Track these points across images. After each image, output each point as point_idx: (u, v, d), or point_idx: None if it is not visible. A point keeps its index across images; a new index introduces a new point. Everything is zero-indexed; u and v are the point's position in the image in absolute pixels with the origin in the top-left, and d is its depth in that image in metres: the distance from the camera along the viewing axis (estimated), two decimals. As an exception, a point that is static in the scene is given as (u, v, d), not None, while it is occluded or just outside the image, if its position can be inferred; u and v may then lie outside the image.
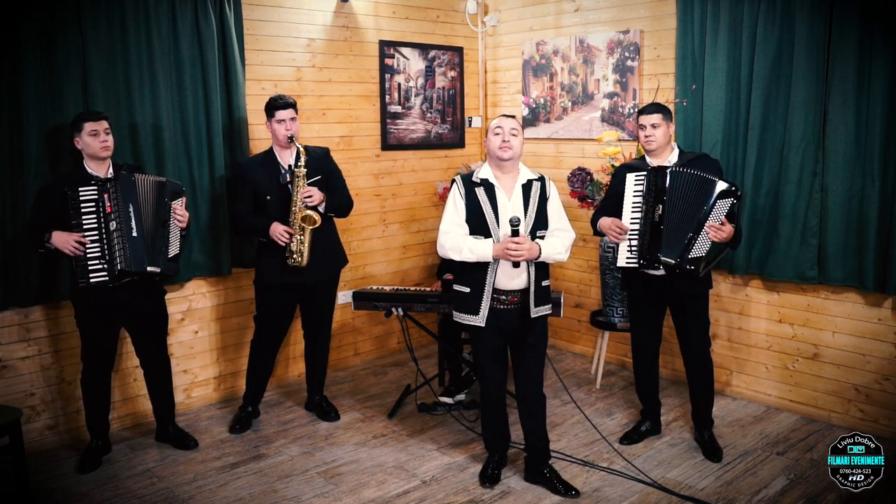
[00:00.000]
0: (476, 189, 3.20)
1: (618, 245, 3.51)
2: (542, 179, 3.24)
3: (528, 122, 5.23)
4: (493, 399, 3.37)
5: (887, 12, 3.49)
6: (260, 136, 4.35)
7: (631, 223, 3.45)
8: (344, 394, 4.50)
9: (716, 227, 3.27)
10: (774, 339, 4.17)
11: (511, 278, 3.16)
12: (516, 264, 3.09)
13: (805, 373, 4.06)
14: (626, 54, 4.61)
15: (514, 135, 3.16)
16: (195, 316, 4.26)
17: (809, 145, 3.80)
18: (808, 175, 3.83)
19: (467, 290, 3.23)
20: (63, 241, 3.27)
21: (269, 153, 3.85)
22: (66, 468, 3.56)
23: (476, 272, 3.19)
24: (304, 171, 3.71)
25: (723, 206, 3.28)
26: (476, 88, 5.52)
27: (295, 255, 3.73)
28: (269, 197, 3.76)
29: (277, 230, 3.69)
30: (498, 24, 5.36)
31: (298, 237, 3.71)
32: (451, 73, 5.33)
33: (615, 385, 4.59)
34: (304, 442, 3.85)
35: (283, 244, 3.70)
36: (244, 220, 3.84)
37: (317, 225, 3.70)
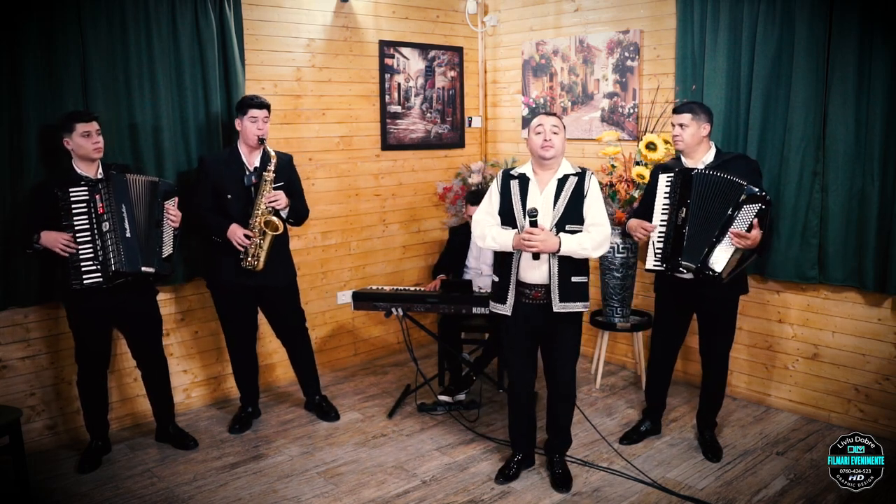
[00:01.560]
0: (511, 182, 3.23)
1: (645, 247, 3.49)
2: (581, 175, 3.20)
3: (528, 122, 5.20)
4: (517, 396, 3.39)
5: (887, 12, 3.49)
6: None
7: (660, 225, 3.41)
8: (344, 394, 4.50)
9: (739, 234, 3.15)
10: (774, 339, 4.17)
11: (532, 269, 3.17)
12: (536, 256, 3.10)
13: (805, 373, 4.06)
14: (626, 54, 4.61)
15: (555, 133, 3.16)
16: (195, 316, 4.26)
17: (809, 145, 3.80)
18: (808, 175, 3.83)
19: (497, 279, 3.30)
20: (52, 240, 3.26)
21: (235, 151, 3.78)
22: (66, 468, 3.56)
23: (504, 262, 3.25)
24: (272, 175, 3.67)
25: (749, 212, 3.16)
26: (476, 88, 5.52)
27: (251, 259, 3.70)
28: (230, 196, 3.71)
29: (237, 234, 3.64)
30: (498, 24, 5.35)
31: (258, 241, 3.69)
32: (451, 73, 5.33)
33: (615, 385, 4.59)
34: (303, 442, 3.85)
35: (241, 249, 3.66)
36: (201, 216, 3.76)
37: (279, 231, 3.68)
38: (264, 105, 3.72)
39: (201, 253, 4.11)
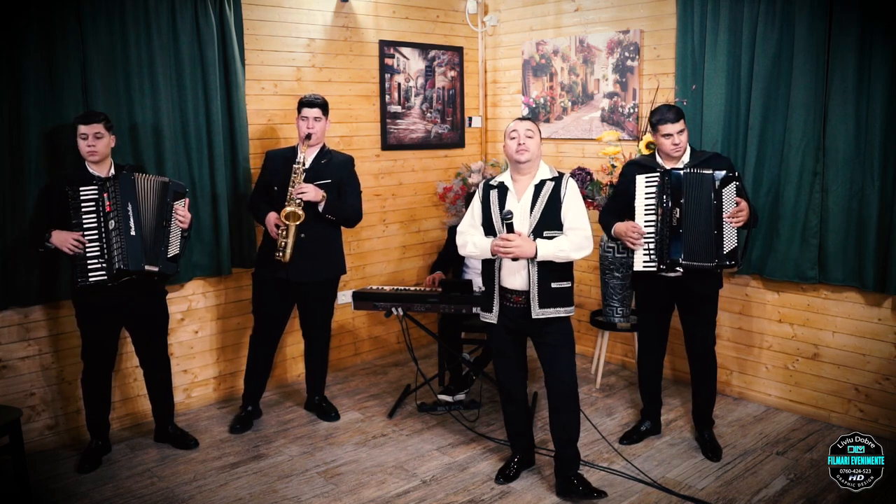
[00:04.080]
0: (490, 192, 3.23)
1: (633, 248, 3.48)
2: (557, 179, 3.18)
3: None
4: (507, 398, 3.39)
5: (887, 12, 3.49)
6: (260, 136, 4.36)
7: (645, 226, 3.42)
8: (344, 394, 4.50)
9: (734, 213, 3.30)
10: (774, 339, 4.17)
11: (511, 274, 3.16)
12: (515, 258, 3.10)
13: (805, 373, 4.07)
14: (626, 54, 4.61)
15: (529, 137, 3.15)
16: (195, 316, 4.26)
17: (809, 145, 3.80)
18: (808, 175, 3.83)
19: (485, 288, 3.30)
20: (62, 239, 3.28)
21: (294, 148, 3.92)
22: (66, 468, 3.56)
23: (488, 270, 3.25)
24: (301, 167, 3.73)
25: (730, 193, 3.32)
26: (476, 88, 5.52)
27: (280, 251, 3.74)
28: (276, 188, 3.85)
29: (270, 222, 3.79)
30: (498, 24, 5.35)
31: (283, 232, 3.73)
32: (451, 73, 5.33)
33: (615, 385, 4.59)
34: (304, 442, 3.85)
35: (273, 236, 3.77)
36: (252, 208, 4.01)
37: (300, 221, 3.70)
38: (314, 104, 3.82)
39: (205, 253, 4.13)
